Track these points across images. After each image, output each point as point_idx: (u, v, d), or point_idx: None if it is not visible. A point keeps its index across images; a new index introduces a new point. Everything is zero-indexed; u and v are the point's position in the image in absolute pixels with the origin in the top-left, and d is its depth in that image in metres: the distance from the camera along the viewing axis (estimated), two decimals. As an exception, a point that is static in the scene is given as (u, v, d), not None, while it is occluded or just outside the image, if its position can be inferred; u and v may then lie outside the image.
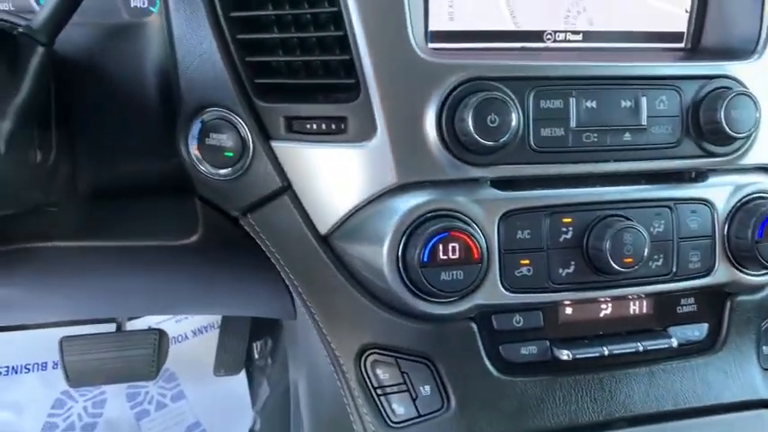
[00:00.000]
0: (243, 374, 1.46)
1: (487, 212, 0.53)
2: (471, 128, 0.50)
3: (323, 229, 0.57)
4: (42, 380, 1.41)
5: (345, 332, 0.57)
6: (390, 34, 0.52)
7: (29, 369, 1.40)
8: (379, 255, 0.52)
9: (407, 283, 0.52)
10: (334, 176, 0.55)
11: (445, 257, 0.50)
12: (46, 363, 1.42)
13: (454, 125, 0.52)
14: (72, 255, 0.67)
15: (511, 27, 0.61)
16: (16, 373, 1.39)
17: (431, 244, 0.50)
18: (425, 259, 0.50)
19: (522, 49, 0.61)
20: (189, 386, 1.48)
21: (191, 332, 1.52)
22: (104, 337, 1.26)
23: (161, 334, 1.27)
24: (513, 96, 0.52)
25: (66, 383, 1.21)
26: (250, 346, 1.45)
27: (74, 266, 0.69)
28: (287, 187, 0.57)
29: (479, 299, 0.53)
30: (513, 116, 0.51)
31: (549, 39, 0.61)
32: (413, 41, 0.52)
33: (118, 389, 1.44)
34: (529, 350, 0.56)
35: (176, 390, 1.47)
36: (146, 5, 0.77)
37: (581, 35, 0.62)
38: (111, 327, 1.32)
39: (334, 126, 0.55)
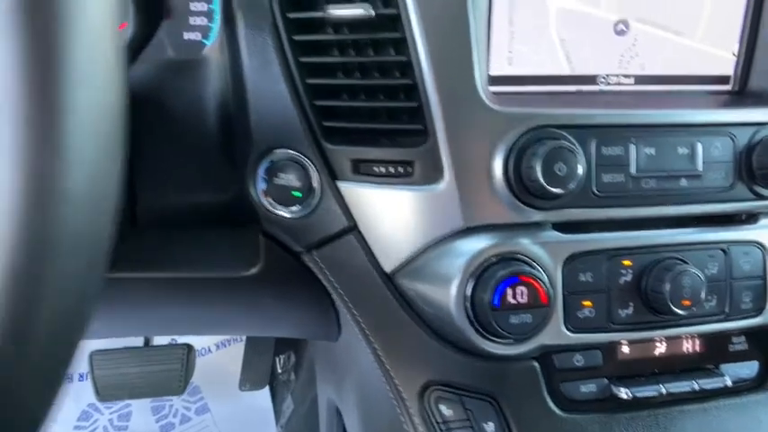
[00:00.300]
0: (267, 388, 1.48)
1: (552, 256, 0.55)
2: (540, 176, 0.52)
3: (388, 267, 0.58)
4: (68, 392, 1.42)
5: (409, 368, 0.59)
6: (460, 84, 0.54)
7: (55, 382, 1.41)
8: (446, 296, 0.54)
9: (475, 324, 0.53)
10: (400, 218, 0.57)
11: (514, 301, 0.52)
12: (72, 375, 1.44)
13: (521, 171, 0.54)
14: (130, 285, 0.69)
15: (566, 71, 0.62)
16: (43, 385, 1.40)
17: (501, 288, 0.52)
18: (496, 303, 0.52)
19: (578, 92, 0.63)
20: (213, 400, 1.50)
21: (214, 345, 1.53)
22: (133, 352, 1.28)
23: (189, 348, 1.28)
24: (578, 144, 0.54)
25: (96, 397, 1.23)
26: (273, 360, 1.47)
27: (131, 296, 0.71)
28: (353, 227, 0.58)
29: (544, 339, 0.54)
30: (580, 165, 0.53)
31: (602, 82, 0.63)
32: (481, 91, 0.54)
33: (143, 402, 1.46)
34: (588, 388, 0.58)
35: (200, 403, 1.48)
36: (199, 38, 0.79)
37: (633, 79, 0.64)
38: (138, 339, 1.34)
39: (401, 169, 0.57)
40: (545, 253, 0.55)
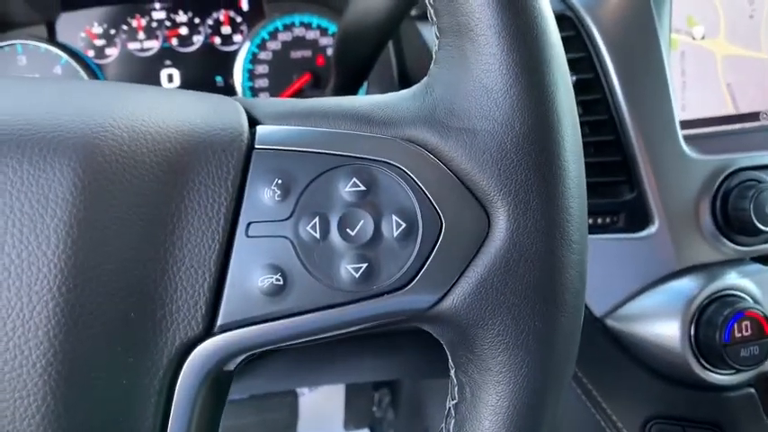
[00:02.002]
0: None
1: (760, 287, 0.59)
2: (753, 217, 0.56)
3: (598, 311, 0.62)
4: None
5: (628, 405, 0.62)
6: (662, 136, 0.58)
7: None
8: (669, 336, 0.58)
9: (701, 359, 0.57)
10: (608, 264, 0.61)
11: (740, 335, 0.56)
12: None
13: (727, 212, 0.58)
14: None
15: (731, 111, 0.67)
16: None
17: (730, 325, 0.55)
18: (726, 339, 0.56)
19: (741, 129, 0.67)
20: (310, 441, 1.51)
21: (306, 387, 1.55)
22: (246, 403, 1.31)
23: (295, 395, 1.31)
24: (775, 183, 0.58)
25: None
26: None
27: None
28: (561, 276, 0.62)
29: (765, 367, 0.58)
30: (783, 203, 0.57)
31: (764, 118, 0.67)
32: (682, 142, 0.58)
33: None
34: (799, 409, 0.61)
35: (300, 446, 1.50)
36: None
37: (789, 112, 0.68)
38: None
39: (608, 220, 0.60)
40: (754, 286, 0.58)
